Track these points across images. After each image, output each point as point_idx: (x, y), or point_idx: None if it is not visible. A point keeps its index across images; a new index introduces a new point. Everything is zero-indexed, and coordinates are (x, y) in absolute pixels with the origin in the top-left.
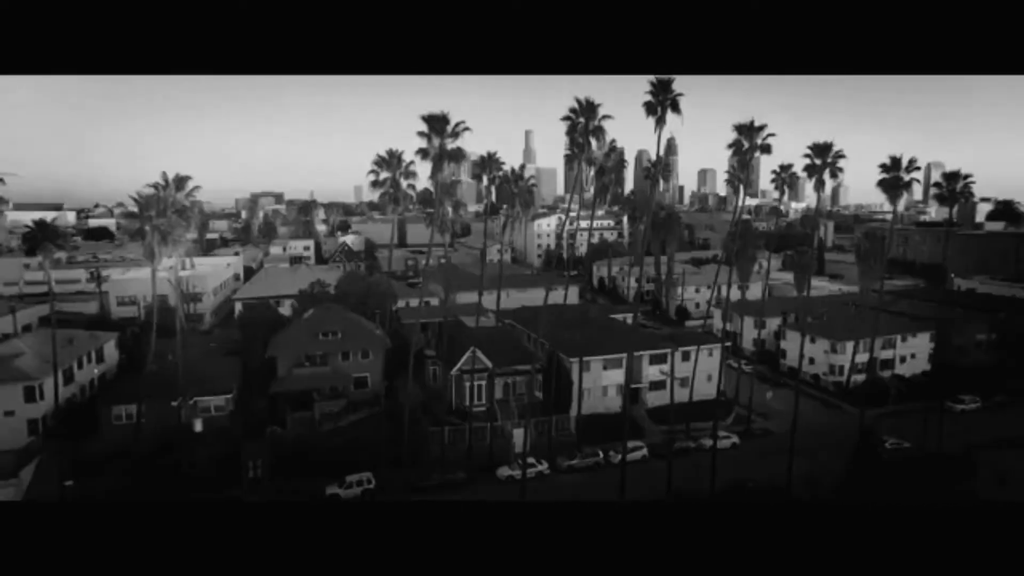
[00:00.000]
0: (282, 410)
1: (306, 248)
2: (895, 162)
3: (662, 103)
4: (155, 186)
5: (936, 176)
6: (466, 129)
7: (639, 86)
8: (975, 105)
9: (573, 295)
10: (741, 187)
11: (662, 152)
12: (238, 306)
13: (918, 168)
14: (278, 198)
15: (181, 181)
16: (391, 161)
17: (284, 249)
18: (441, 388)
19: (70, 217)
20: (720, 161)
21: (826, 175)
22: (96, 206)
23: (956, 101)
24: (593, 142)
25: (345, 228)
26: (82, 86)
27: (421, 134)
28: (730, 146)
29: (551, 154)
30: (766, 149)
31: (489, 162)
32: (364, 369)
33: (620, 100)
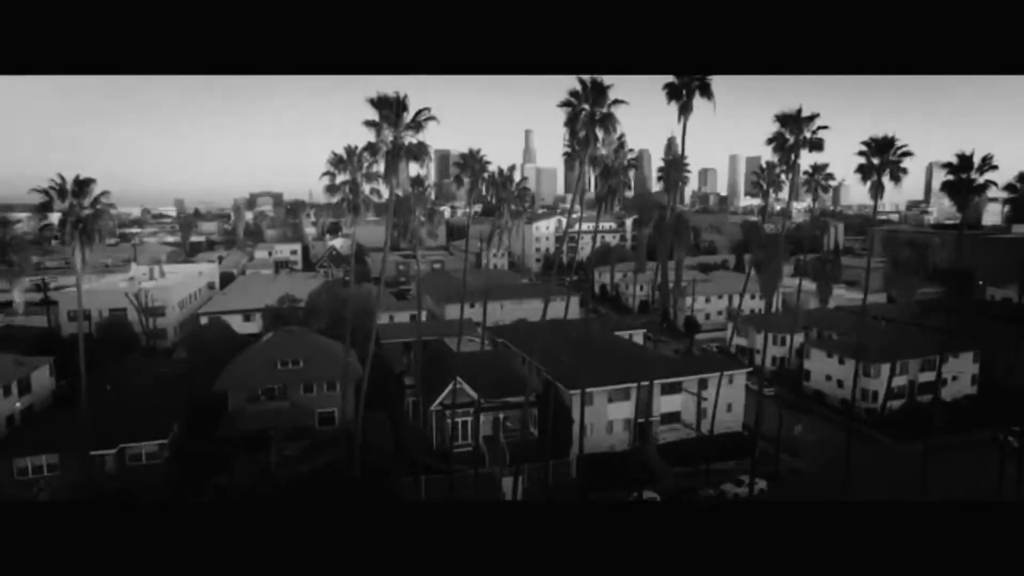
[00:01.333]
0: (232, 454)
1: (293, 252)
2: (965, 161)
3: (688, 86)
4: (49, 190)
5: (938, 176)
6: (430, 119)
7: (640, 86)
8: (977, 105)
9: (574, 307)
10: (772, 190)
11: (679, 150)
12: (203, 320)
13: (994, 167)
14: (277, 198)
15: (83, 185)
16: (350, 160)
17: (270, 253)
18: (421, 424)
19: (55, 219)
20: (721, 161)
21: (886, 177)
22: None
23: (958, 101)
24: (600, 135)
25: (336, 230)
26: (77, 85)
27: (369, 124)
28: (770, 141)
29: (551, 153)
30: (816, 145)
31: (471, 161)
32: (331, 403)
33: (622, 96)
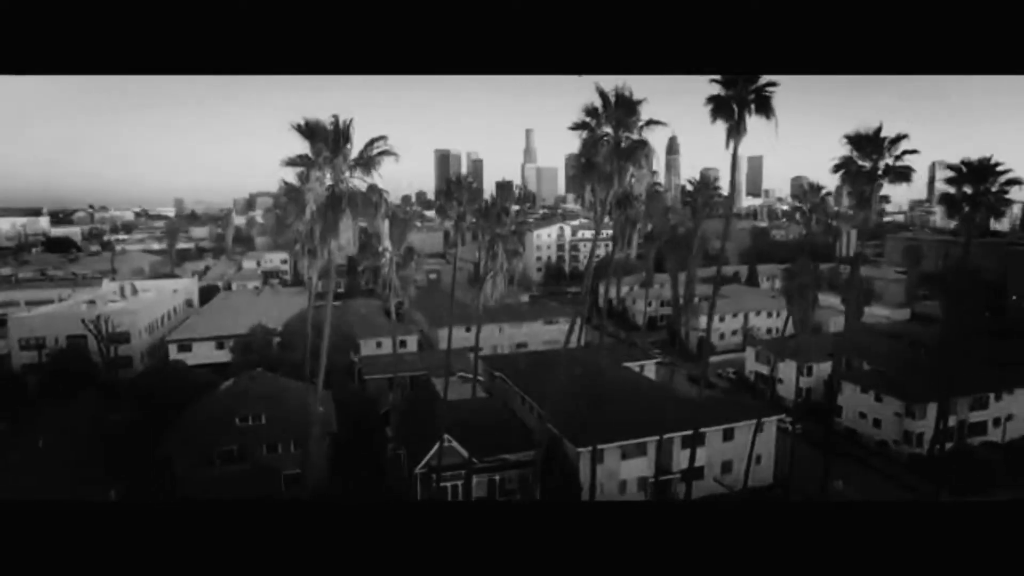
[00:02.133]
0: None
1: (283, 262)
2: (973, 170)
3: (742, 99)
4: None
5: (942, 177)
6: (385, 153)
7: (640, 86)
8: (981, 105)
9: (582, 331)
10: (815, 217)
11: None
12: (172, 350)
13: (1018, 182)
14: (277, 198)
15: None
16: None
17: (258, 264)
18: (405, 487)
19: (43, 223)
20: (722, 160)
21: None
22: (73, 211)
23: (961, 101)
24: (631, 171)
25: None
26: (77, 85)
27: (291, 163)
28: (837, 168)
29: (552, 152)
30: (902, 175)
31: (458, 190)
32: (298, 463)
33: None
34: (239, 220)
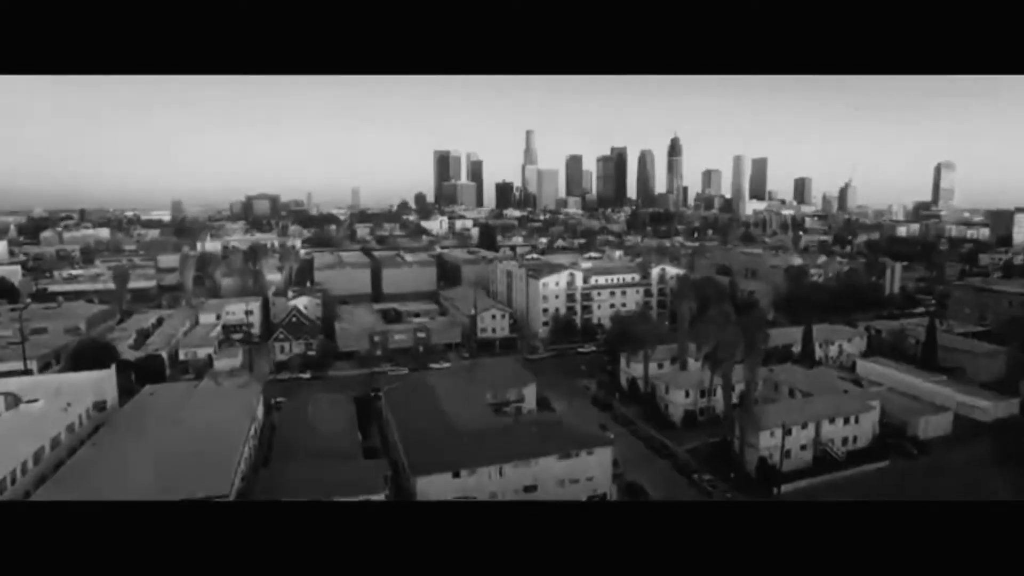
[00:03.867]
0: None
1: (249, 312)
2: None
3: None
4: None
5: (947, 178)
6: None
7: (640, 85)
8: (985, 105)
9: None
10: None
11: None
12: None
13: None
14: (273, 200)
15: None
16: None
17: (218, 317)
18: None
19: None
20: (724, 162)
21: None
22: (46, 225)
23: (963, 101)
24: None
25: (304, 279)
26: (77, 85)
27: None
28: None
29: (553, 154)
30: None
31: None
32: None
33: (621, 98)
34: (212, 245)
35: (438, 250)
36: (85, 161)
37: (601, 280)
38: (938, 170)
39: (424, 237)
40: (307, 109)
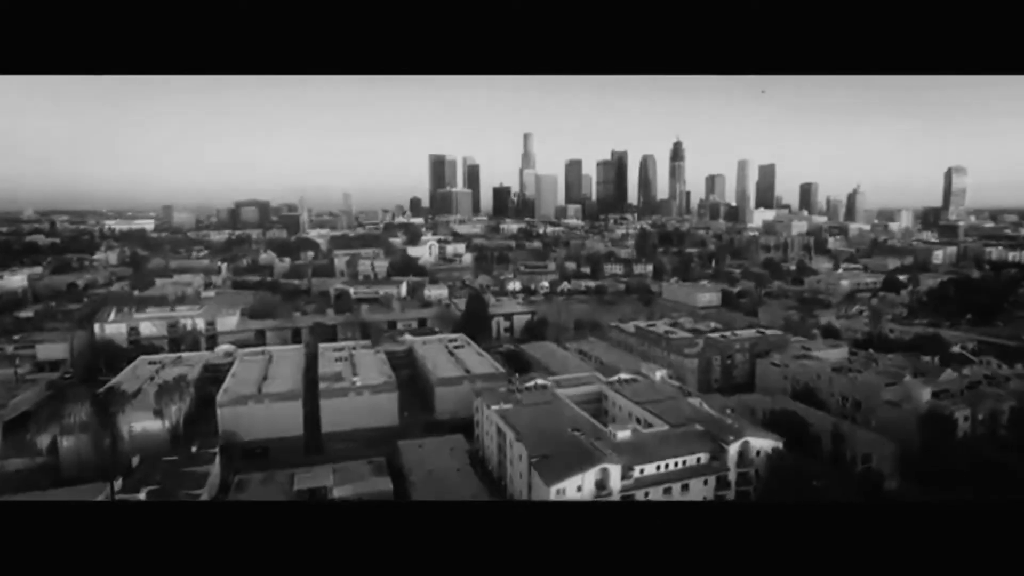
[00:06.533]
0: None
1: None
2: None
3: None
4: None
5: (958, 181)
6: None
7: (640, 85)
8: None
9: None
10: None
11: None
12: None
13: None
14: (262, 208)
15: None
16: None
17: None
18: None
19: None
20: (728, 167)
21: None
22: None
23: (966, 101)
24: None
25: (200, 420)
26: (77, 85)
27: None
28: None
29: (552, 158)
30: None
31: None
32: None
33: (622, 98)
34: (115, 329)
35: (407, 340)
36: (79, 162)
37: (650, 469)
38: (948, 175)
39: (403, 284)
40: (305, 109)
